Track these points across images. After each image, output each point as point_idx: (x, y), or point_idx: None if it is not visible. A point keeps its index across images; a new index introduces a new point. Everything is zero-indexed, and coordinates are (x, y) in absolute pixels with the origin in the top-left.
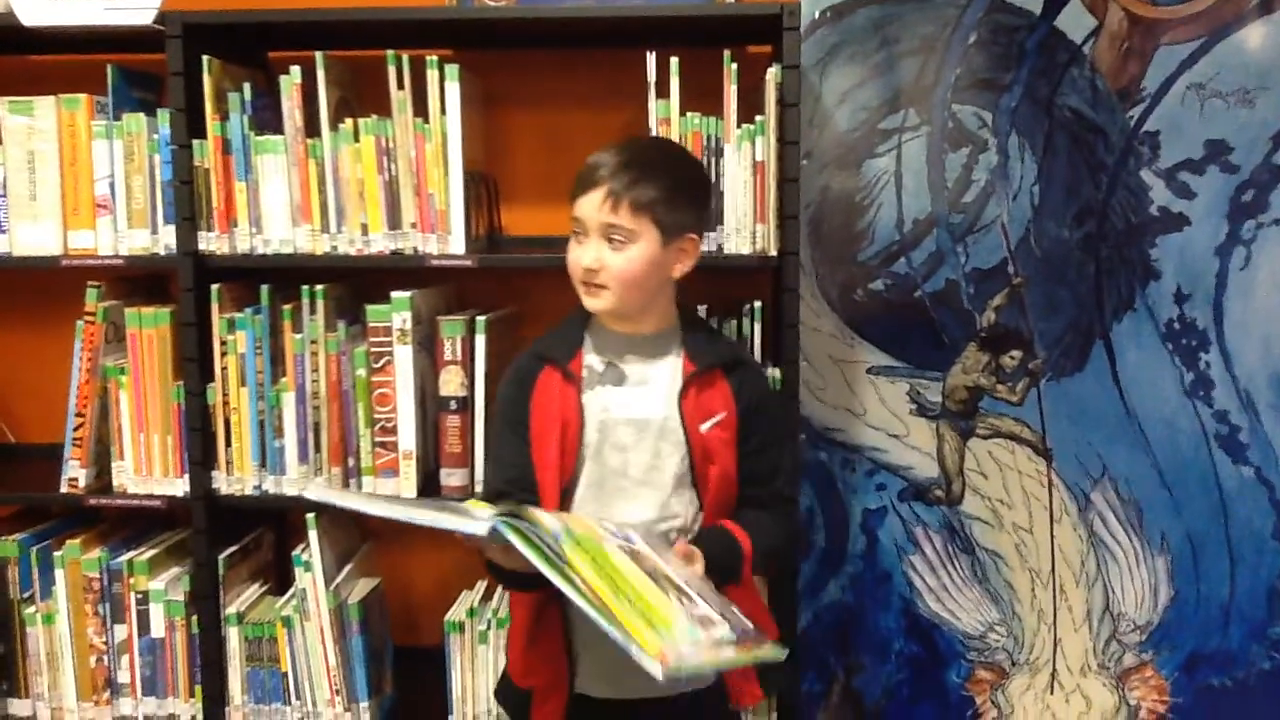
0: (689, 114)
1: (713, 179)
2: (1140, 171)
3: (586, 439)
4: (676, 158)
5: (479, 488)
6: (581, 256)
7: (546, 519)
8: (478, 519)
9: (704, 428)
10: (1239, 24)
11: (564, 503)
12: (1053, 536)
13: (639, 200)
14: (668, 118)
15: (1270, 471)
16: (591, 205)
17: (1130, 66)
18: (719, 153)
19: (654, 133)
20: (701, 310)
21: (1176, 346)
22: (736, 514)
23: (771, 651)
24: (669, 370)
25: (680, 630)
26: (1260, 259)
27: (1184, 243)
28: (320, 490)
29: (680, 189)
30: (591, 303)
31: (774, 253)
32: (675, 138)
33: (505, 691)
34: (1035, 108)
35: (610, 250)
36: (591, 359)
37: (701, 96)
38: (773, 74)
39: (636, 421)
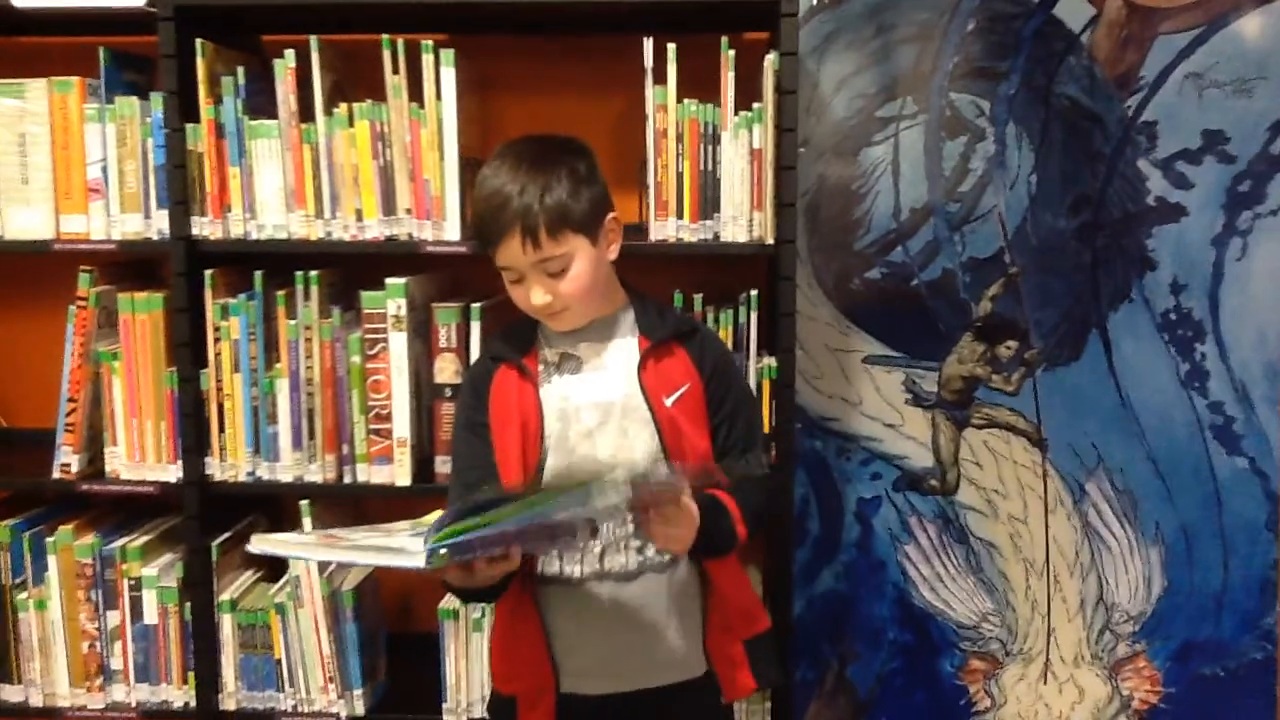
0: (686, 101)
1: (709, 167)
2: (1137, 161)
3: (548, 430)
4: (553, 151)
5: None
6: (530, 298)
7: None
8: (412, 553)
9: (669, 401)
10: (1237, 14)
11: None
12: (1047, 527)
13: (555, 223)
14: (664, 104)
15: (1264, 462)
16: (514, 252)
17: (1128, 55)
18: (716, 140)
19: (650, 121)
20: (697, 299)
21: (1172, 337)
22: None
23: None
24: (625, 350)
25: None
26: (1256, 250)
27: (1180, 233)
28: (261, 543)
29: (578, 180)
30: (558, 325)
31: (770, 241)
32: (672, 125)
33: (491, 702)
34: (1032, 96)
35: (553, 280)
36: (545, 352)
37: (698, 83)
38: (770, 61)
39: (599, 405)
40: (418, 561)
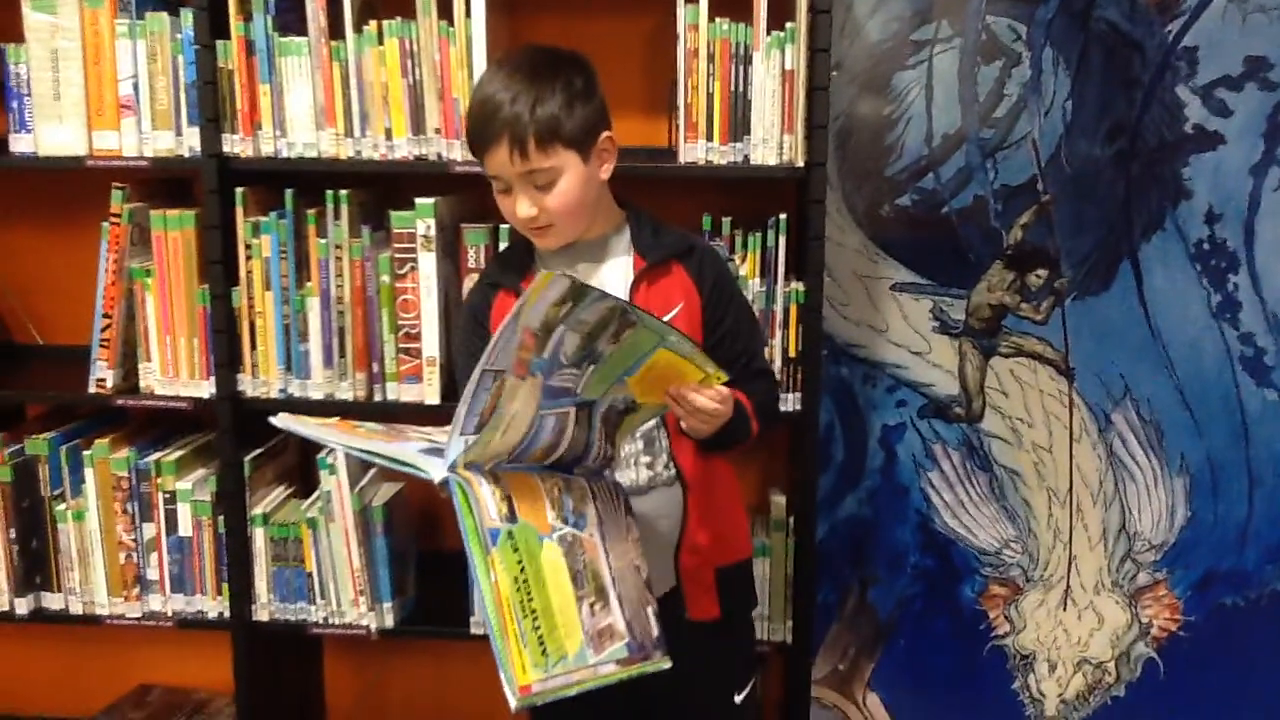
0: (717, 20)
1: (740, 88)
2: (1176, 88)
3: None
4: (551, 63)
5: None
6: (516, 209)
7: (492, 508)
8: (434, 467)
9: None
10: None
11: None
12: (1071, 456)
13: (543, 135)
14: (696, 24)
15: None
16: (501, 161)
17: None
18: (748, 60)
19: (681, 41)
20: (726, 222)
21: (1205, 267)
22: None
23: (656, 665)
24: (621, 269)
25: (572, 654)
26: None
27: (1217, 162)
28: (286, 420)
29: (573, 95)
30: (544, 243)
31: (801, 164)
32: (703, 44)
33: None
34: (1071, 20)
35: (540, 194)
36: None
37: (731, 2)
38: None
39: None
40: (436, 474)
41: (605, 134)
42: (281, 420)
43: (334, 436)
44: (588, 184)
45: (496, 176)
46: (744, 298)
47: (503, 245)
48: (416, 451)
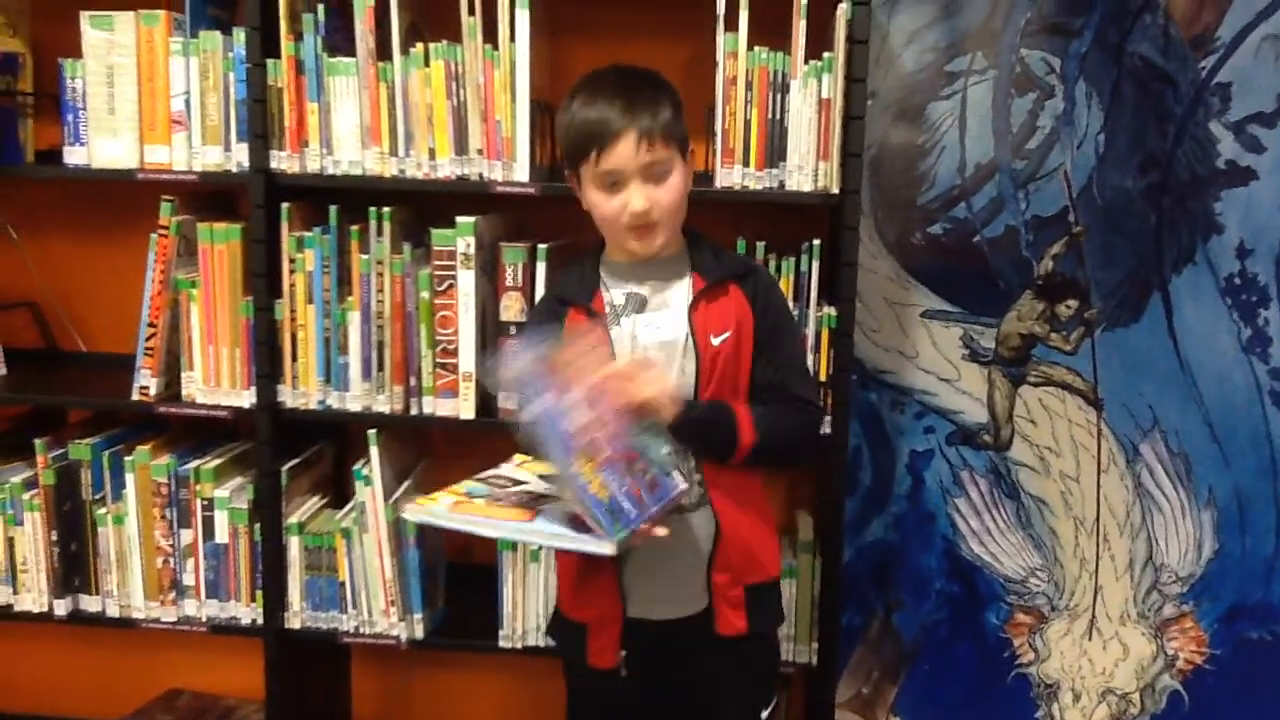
0: (756, 48)
1: (777, 115)
2: (1209, 123)
3: None
4: (648, 77)
5: None
6: (632, 202)
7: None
8: (601, 539)
9: (716, 341)
10: None
11: None
12: (1099, 486)
13: (667, 129)
14: (735, 51)
15: None
16: (626, 153)
17: (1205, 14)
18: (785, 88)
19: (720, 67)
20: (760, 246)
21: (1235, 301)
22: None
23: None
24: (684, 290)
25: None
26: None
27: (1249, 197)
28: (417, 513)
29: (676, 104)
30: (646, 246)
31: (835, 191)
32: (741, 72)
33: (558, 626)
34: (1105, 54)
35: (655, 187)
36: (611, 294)
37: (769, 31)
38: (843, 10)
39: (665, 344)
40: (608, 549)
41: (690, 147)
42: (412, 513)
43: (480, 525)
44: (687, 184)
45: (613, 170)
46: (795, 327)
47: (540, 265)
48: (574, 534)
